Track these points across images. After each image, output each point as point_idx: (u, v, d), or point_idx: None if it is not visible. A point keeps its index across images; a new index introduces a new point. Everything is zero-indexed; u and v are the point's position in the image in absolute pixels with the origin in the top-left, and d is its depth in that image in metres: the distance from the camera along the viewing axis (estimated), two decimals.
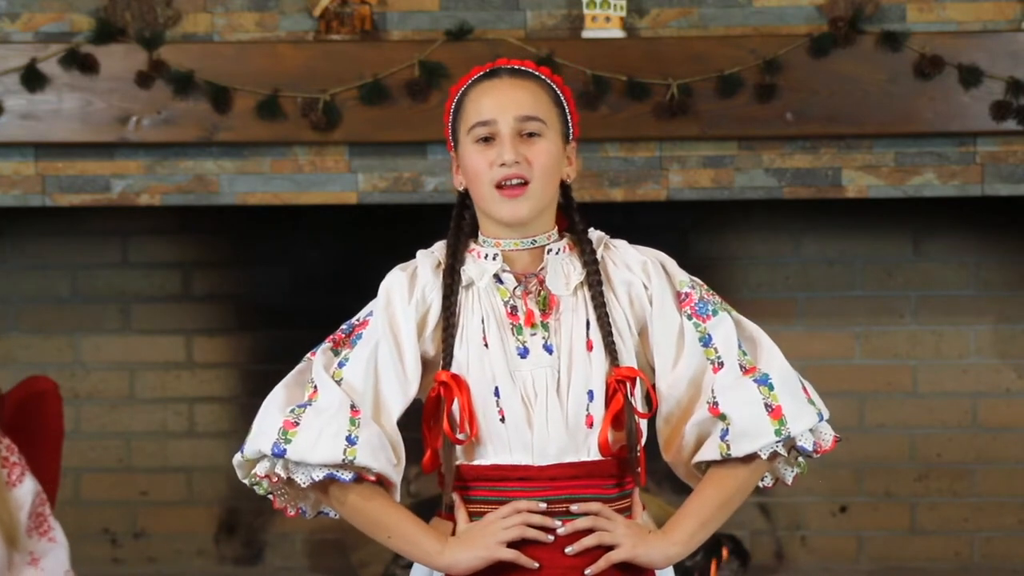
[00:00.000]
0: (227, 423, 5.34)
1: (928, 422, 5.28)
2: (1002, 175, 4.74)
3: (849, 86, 4.68)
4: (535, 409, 2.55)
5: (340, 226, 5.25)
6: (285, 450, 2.53)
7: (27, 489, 3.47)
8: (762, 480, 2.66)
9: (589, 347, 2.58)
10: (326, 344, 2.64)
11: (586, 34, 4.74)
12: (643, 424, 2.62)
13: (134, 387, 5.35)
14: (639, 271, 2.63)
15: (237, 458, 2.63)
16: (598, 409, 2.56)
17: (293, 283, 5.31)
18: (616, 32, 4.72)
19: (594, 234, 2.66)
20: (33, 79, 4.71)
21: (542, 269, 2.62)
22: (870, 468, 5.28)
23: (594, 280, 2.60)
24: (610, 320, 2.59)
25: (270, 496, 2.62)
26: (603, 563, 2.55)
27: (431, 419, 2.60)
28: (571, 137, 2.67)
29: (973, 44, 4.67)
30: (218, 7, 4.84)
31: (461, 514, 2.58)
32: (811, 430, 2.62)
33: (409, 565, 2.71)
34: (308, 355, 2.65)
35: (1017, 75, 4.65)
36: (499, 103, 2.60)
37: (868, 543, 5.31)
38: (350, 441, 2.52)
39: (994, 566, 5.27)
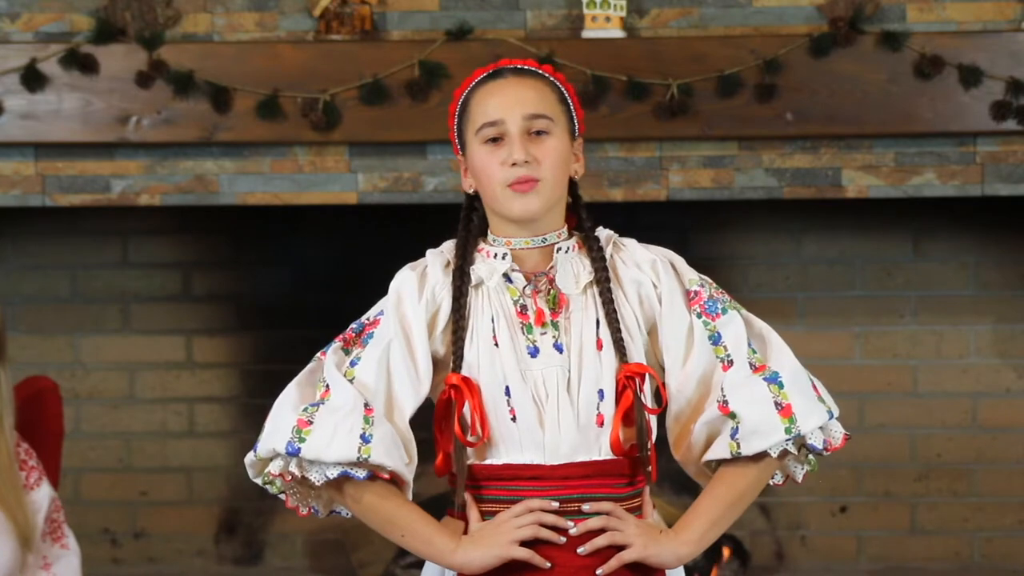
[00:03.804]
0: (227, 423, 5.34)
1: (928, 422, 5.28)
2: (1002, 175, 4.74)
3: (849, 86, 4.68)
4: (546, 408, 2.56)
5: (340, 226, 5.25)
6: (299, 448, 2.53)
7: (44, 494, 3.47)
8: (772, 478, 2.66)
9: (599, 346, 2.58)
10: (336, 343, 2.64)
11: (586, 34, 4.74)
12: (653, 421, 2.62)
13: (134, 387, 5.35)
14: (648, 270, 2.64)
15: (250, 457, 2.63)
16: (609, 408, 2.56)
17: (293, 283, 5.31)
18: (616, 32, 4.72)
19: (603, 232, 2.67)
20: (33, 79, 4.71)
21: (552, 268, 2.63)
22: (870, 468, 5.28)
23: (603, 278, 2.61)
24: (619, 318, 2.59)
25: (282, 495, 2.62)
26: (615, 563, 2.55)
27: (442, 422, 2.60)
28: (577, 133, 2.67)
29: (973, 44, 4.67)
30: (218, 7, 4.84)
31: (473, 513, 2.58)
32: (821, 428, 2.62)
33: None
34: (318, 355, 2.65)
35: (1017, 75, 4.65)
36: (506, 103, 2.60)
37: (868, 543, 5.31)
38: (364, 439, 2.52)
39: (994, 566, 5.27)
